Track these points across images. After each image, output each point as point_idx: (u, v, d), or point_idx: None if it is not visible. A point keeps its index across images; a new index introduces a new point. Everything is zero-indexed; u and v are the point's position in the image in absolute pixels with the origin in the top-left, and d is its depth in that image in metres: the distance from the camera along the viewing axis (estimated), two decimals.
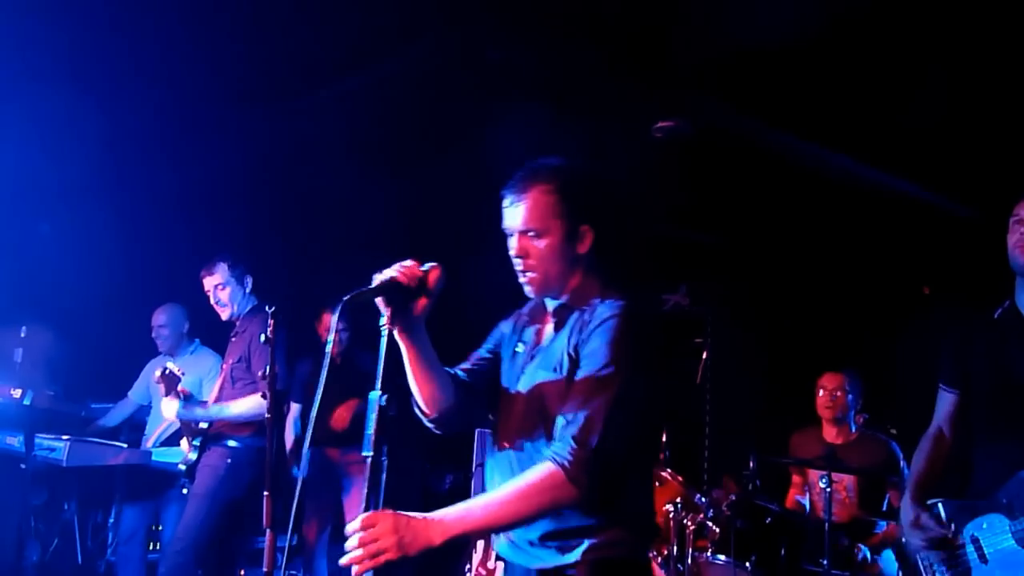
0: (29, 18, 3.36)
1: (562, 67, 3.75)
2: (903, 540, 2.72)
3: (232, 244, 4.32)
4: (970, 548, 2.51)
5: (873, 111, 3.95)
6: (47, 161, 4.27)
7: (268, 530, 3.09)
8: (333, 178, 4.96)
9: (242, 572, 4.60)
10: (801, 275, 5.53)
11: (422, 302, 1.76)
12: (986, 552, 2.44)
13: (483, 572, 2.88)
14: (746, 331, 5.37)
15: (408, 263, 1.76)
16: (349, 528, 1.61)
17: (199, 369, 4.46)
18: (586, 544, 1.79)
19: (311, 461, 4.61)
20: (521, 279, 1.89)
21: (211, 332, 4.49)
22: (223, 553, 4.18)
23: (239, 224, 5.08)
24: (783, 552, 3.76)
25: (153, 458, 4.35)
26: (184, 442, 4.03)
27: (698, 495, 3.88)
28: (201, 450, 3.97)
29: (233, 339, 4.11)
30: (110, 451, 4.26)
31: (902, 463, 3.99)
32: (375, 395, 1.63)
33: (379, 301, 1.72)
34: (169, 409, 3.85)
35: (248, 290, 4.14)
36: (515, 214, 1.83)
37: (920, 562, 2.65)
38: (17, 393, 4.09)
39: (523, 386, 1.90)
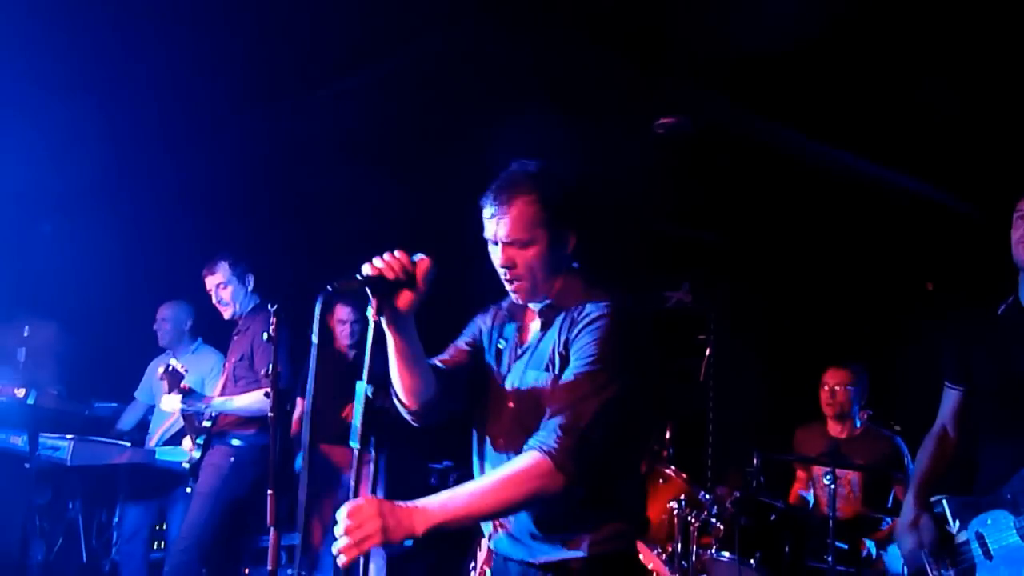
0: (30, 21, 3.36)
1: (563, 64, 3.74)
2: (896, 537, 2.72)
3: (234, 242, 4.33)
4: (975, 544, 2.51)
5: (876, 107, 3.94)
6: (48, 161, 4.27)
7: (272, 529, 3.09)
8: (334, 176, 4.96)
9: (247, 571, 4.61)
10: (804, 272, 5.52)
11: (410, 293, 1.75)
12: (991, 548, 2.43)
13: (487, 570, 2.87)
14: (749, 328, 5.37)
15: (397, 254, 1.75)
16: (338, 516, 1.61)
17: (201, 367, 4.47)
18: (588, 538, 1.81)
19: (316, 459, 4.61)
20: (508, 287, 1.88)
21: (214, 331, 4.50)
22: (227, 552, 4.19)
23: (241, 223, 5.08)
24: (787, 549, 3.76)
25: (157, 457, 4.37)
26: (187, 441, 4.04)
27: (702, 492, 3.88)
28: (205, 449, 3.98)
29: (235, 337, 4.12)
30: (114, 450, 4.28)
31: (907, 459, 3.99)
32: (362, 385, 1.62)
33: (367, 291, 1.71)
34: (171, 403, 3.86)
35: (250, 288, 4.15)
36: (499, 225, 1.81)
37: (924, 558, 2.65)
38: (21, 392, 4.10)
39: (512, 385, 1.90)
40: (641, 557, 3.96)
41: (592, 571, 1.81)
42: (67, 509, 4.69)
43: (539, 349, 1.88)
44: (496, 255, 1.85)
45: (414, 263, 1.75)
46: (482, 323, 2.07)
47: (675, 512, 3.79)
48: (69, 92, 3.77)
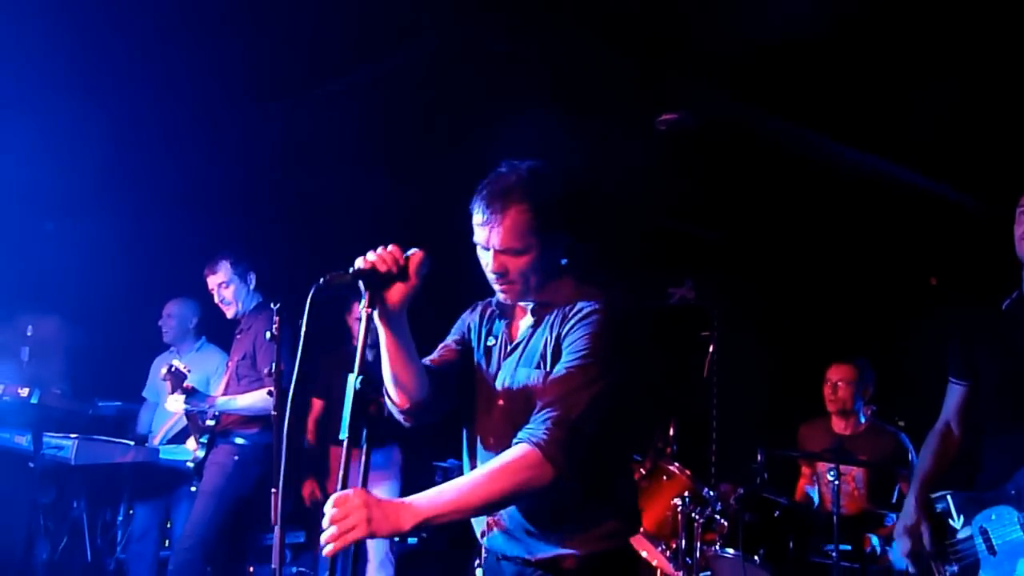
0: (33, 21, 3.37)
1: (564, 62, 3.73)
2: (895, 537, 2.72)
3: (236, 241, 4.33)
4: (979, 540, 2.50)
5: (880, 103, 3.93)
6: (50, 160, 4.28)
7: (277, 527, 3.10)
8: (336, 174, 4.96)
9: (251, 569, 4.61)
10: (808, 267, 5.52)
11: (402, 287, 1.74)
12: (995, 543, 2.43)
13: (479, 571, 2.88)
14: (753, 324, 5.36)
15: (391, 247, 1.74)
16: (325, 509, 1.59)
17: (205, 366, 4.47)
18: (583, 535, 1.82)
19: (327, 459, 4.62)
20: (497, 289, 1.86)
21: (219, 330, 4.50)
22: (232, 550, 4.19)
23: (243, 221, 5.08)
24: (791, 545, 3.76)
25: (161, 456, 4.37)
26: (191, 440, 4.04)
27: (706, 489, 3.88)
28: (208, 447, 3.99)
29: (238, 336, 4.13)
30: (118, 449, 4.28)
31: (911, 454, 3.98)
32: (352, 378, 1.61)
33: (359, 284, 1.70)
34: (175, 403, 3.86)
35: (252, 287, 4.15)
36: (492, 233, 1.78)
37: (924, 557, 2.65)
38: (25, 392, 4.10)
39: (503, 383, 1.89)
40: (645, 554, 3.96)
41: (587, 568, 1.82)
42: (71, 508, 4.69)
43: (530, 346, 1.87)
44: (487, 261, 1.82)
45: (407, 257, 1.74)
46: (470, 321, 2.05)
47: (679, 509, 3.79)
48: (69, 91, 3.77)
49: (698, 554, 3.73)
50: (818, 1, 3.13)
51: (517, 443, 1.70)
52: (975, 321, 2.70)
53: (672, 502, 3.84)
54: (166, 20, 3.46)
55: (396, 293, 1.74)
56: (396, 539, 4.33)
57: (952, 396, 2.74)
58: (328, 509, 1.58)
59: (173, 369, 3.82)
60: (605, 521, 1.85)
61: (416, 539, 5.32)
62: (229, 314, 4.15)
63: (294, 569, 4.80)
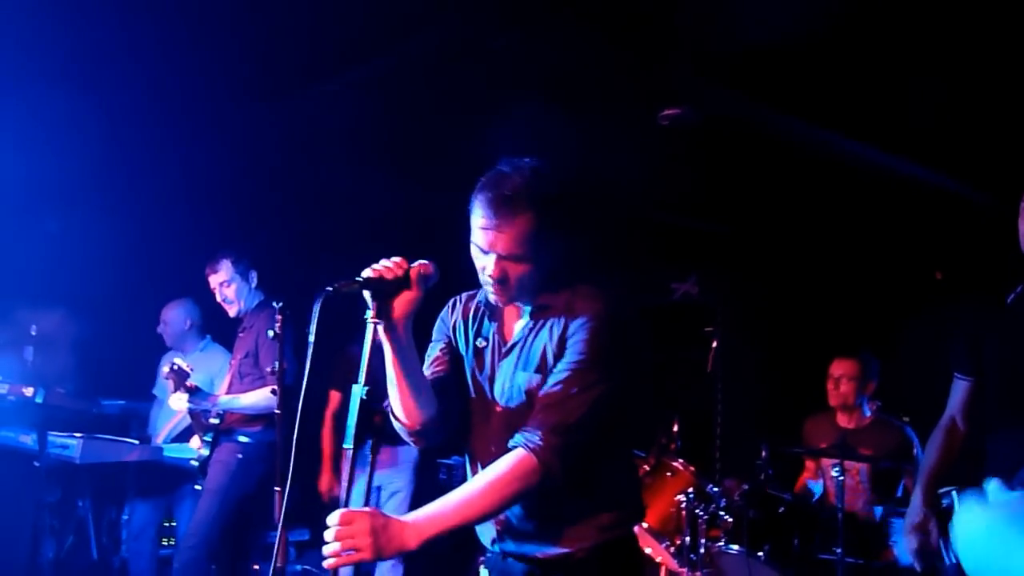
0: (32, 20, 3.37)
1: (566, 56, 3.71)
2: (904, 534, 2.71)
3: (237, 239, 4.33)
4: None
5: (884, 96, 3.91)
6: (53, 160, 4.27)
7: (280, 525, 3.10)
8: (338, 171, 4.95)
9: (256, 567, 4.63)
10: (812, 262, 5.50)
11: (407, 299, 1.72)
12: None
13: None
14: (756, 319, 5.35)
15: (396, 259, 1.73)
16: (328, 521, 1.59)
17: (209, 366, 4.47)
18: (592, 528, 1.82)
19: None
20: (491, 291, 1.81)
21: (222, 328, 4.50)
22: (236, 548, 4.21)
23: (245, 219, 5.08)
24: (796, 541, 3.75)
25: (165, 454, 4.38)
26: (196, 438, 4.05)
27: (710, 485, 3.87)
28: (212, 446, 3.99)
29: (241, 335, 4.13)
30: (123, 448, 4.29)
31: (916, 449, 3.96)
32: (357, 388, 1.61)
33: (365, 294, 1.69)
34: (179, 402, 3.87)
35: (253, 285, 4.15)
36: (495, 239, 1.72)
37: (933, 551, 2.64)
38: (29, 391, 4.10)
39: (501, 388, 1.85)
40: (649, 550, 3.95)
41: (595, 559, 1.82)
42: (77, 507, 4.71)
43: (529, 349, 1.83)
44: (486, 265, 1.77)
45: (408, 267, 1.73)
46: (453, 321, 1.99)
47: (683, 505, 3.78)
48: (69, 88, 3.77)
49: (702, 550, 3.73)
50: None
51: (513, 447, 1.69)
52: (980, 315, 2.68)
53: (676, 498, 3.83)
54: (167, 18, 3.46)
55: (400, 304, 1.72)
56: None
57: (957, 391, 2.73)
58: (332, 523, 1.58)
59: (175, 367, 3.82)
60: (609, 511, 1.85)
61: None
62: (231, 313, 4.15)
63: (299, 567, 4.81)
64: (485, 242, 1.75)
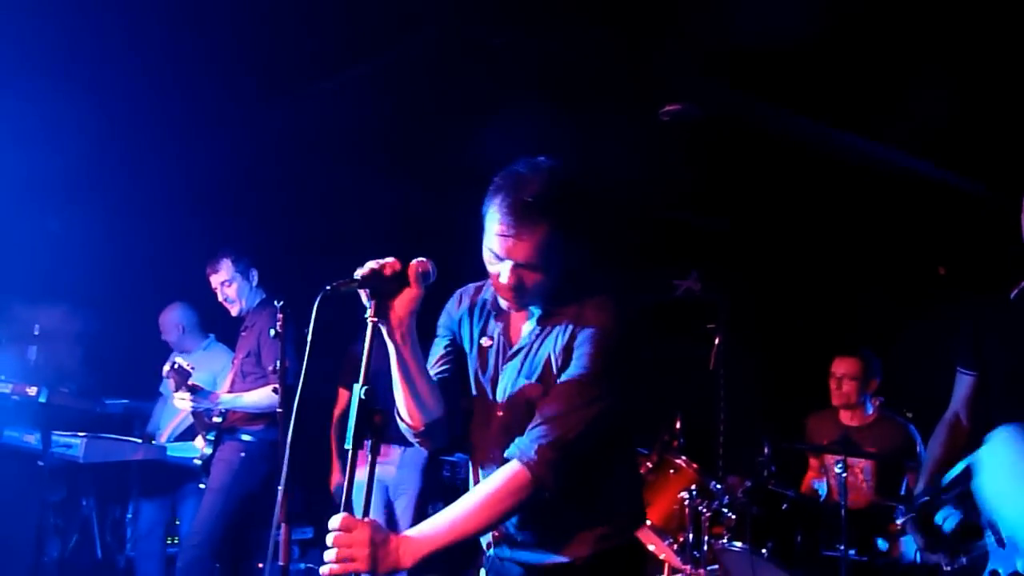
0: (36, 18, 3.38)
1: (566, 53, 3.71)
2: (910, 533, 2.71)
3: (238, 237, 4.33)
4: (988, 532, 2.49)
5: (886, 91, 3.89)
6: (55, 160, 4.29)
7: (284, 524, 3.11)
8: (338, 170, 4.95)
9: (260, 565, 4.64)
10: (815, 258, 5.48)
11: (407, 297, 1.69)
12: (1004, 536, 2.41)
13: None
14: (759, 316, 5.34)
15: (389, 259, 1.69)
16: (330, 524, 1.58)
17: (212, 365, 4.48)
18: (590, 537, 1.80)
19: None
20: (502, 297, 1.76)
21: (226, 328, 4.51)
22: (240, 546, 4.22)
23: (246, 218, 5.09)
24: (799, 538, 3.74)
25: (168, 453, 4.39)
26: (199, 437, 4.06)
27: (713, 482, 3.87)
28: (215, 445, 4.00)
29: (243, 334, 4.14)
30: (126, 447, 4.31)
31: (919, 446, 3.95)
32: (357, 388, 1.59)
33: (363, 293, 1.66)
34: (182, 401, 3.87)
35: (255, 284, 4.16)
36: (514, 247, 1.66)
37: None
38: (33, 391, 4.12)
39: (503, 392, 1.82)
40: (652, 547, 3.95)
41: (594, 568, 1.80)
42: (81, 506, 4.73)
43: (534, 356, 1.79)
44: (500, 271, 1.70)
45: (405, 265, 1.69)
46: (458, 315, 1.94)
47: (686, 502, 3.78)
48: (70, 88, 3.77)
49: (706, 547, 3.72)
50: None
51: (508, 458, 1.67)
52: (983, 311, 2.68)
53: (679, 495, 3.82)
54: (168, 18, 3.46)
55: (401, 303, 1.69)
56: None
57: (960, 386, 2.73)
58: (333, 527, 1.57)
59: (176, 366, 3.83)
60: (608, 521, 1.82)
61: None
62: (233, 312, 4.15)
63: (302, 565, 4.82)
64: (502, 249, 1.68)
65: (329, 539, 1.57)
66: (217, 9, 3.34)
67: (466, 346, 1.92)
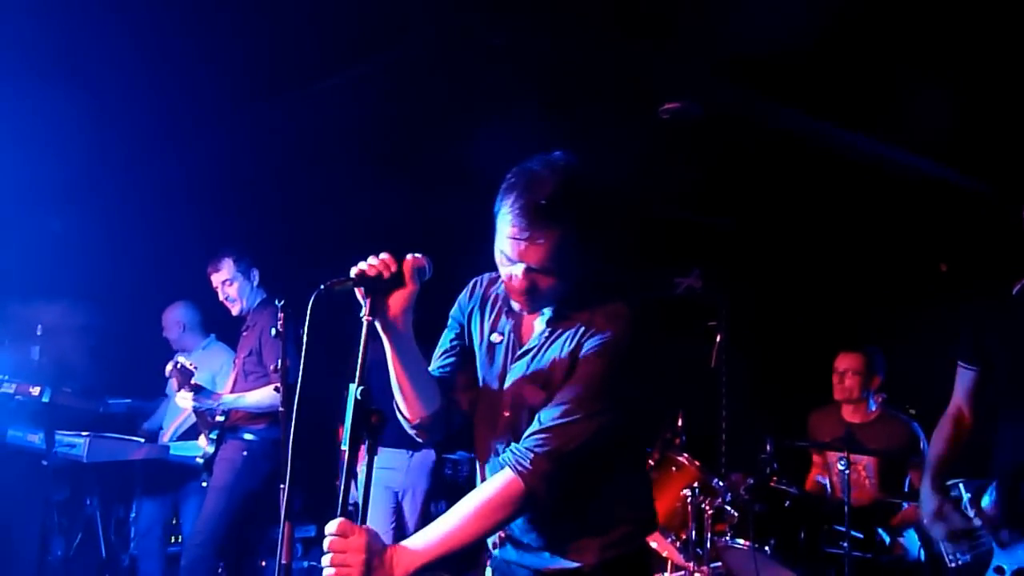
0: (37, 18, 3.38)
1: (568, 51, 3.70)
2: (926, 528, 2.70)
3: (239, 237, 4.34)
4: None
5: (888, 88, 3.89)
6: (57, 160, 4.29)
7: (286, 522, 3.11)
8: (339, 169, 4.95)
9: (263, 563, 4.65)
10: (816, 255, 5.48)
11: (402, 294, 1.67)
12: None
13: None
14: (761, 313, 5.33)
15: (383, 255, 1.67)
16: (327, 530, 1.58)
17: (211, 364, 4.50)
18: (597, 543, 1.77)
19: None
20: (514, 300, 1.73)
21: (229, 327, 4.52)
22: (243, 544, 4.22)
23: (247, 217, 5.09)
24: (802, 535, 3.74)
25: (171, 452, 4.41)
26: (202, 436, 4.07)
27: (716, 479, 3.87)
28: (218, 443, 4.01)
29: (244, 333, 4.14)
30: (129, 446, 4.33)
31: (923, 443, 3.95)
32: (352, 387, 1.58)
33: (358, 292, 1.65)
34: (185, 400, 3.88)
35: (256, 283, 4.17)
36: (527, 250, 1.60)
37: (941, 543, 2.64)
38: (36, 391, 4.14)
39: (509, 394, 1.79)
40: (655, 545, 3.95)
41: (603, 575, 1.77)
42: (85, 505, 4.74)
43: (541, 360, 1.75)
44: (512, 274, 1.66)
45: (400, 262, 1.67)
46: (469, 308, 1.91)
47: (689, 500, 3.78)
48: (71, 88, 3.78)
49: (708, 545, 3.72)
50: None
51: (503, 466, 1.65)
52: (985, 307, 2.68)
53: (682, 493, 3.82)
54: (169, 18, 3.46)
55: (396, 300, 1.67)
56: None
57: (963, 381, 2.73)
58: (329, 533, 1.56)
59: (179, 366, 3.84)
60: (617, 526, 1.79)
61: None
62: (234, 311, 4.16)
63: (305, 564, 4.83)
64: (514, 252, 1.63)
65: (325, 544, 1.56)
66: (217, 9, 3.34)
67: (475, 339, 1.89)
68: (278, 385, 3.55)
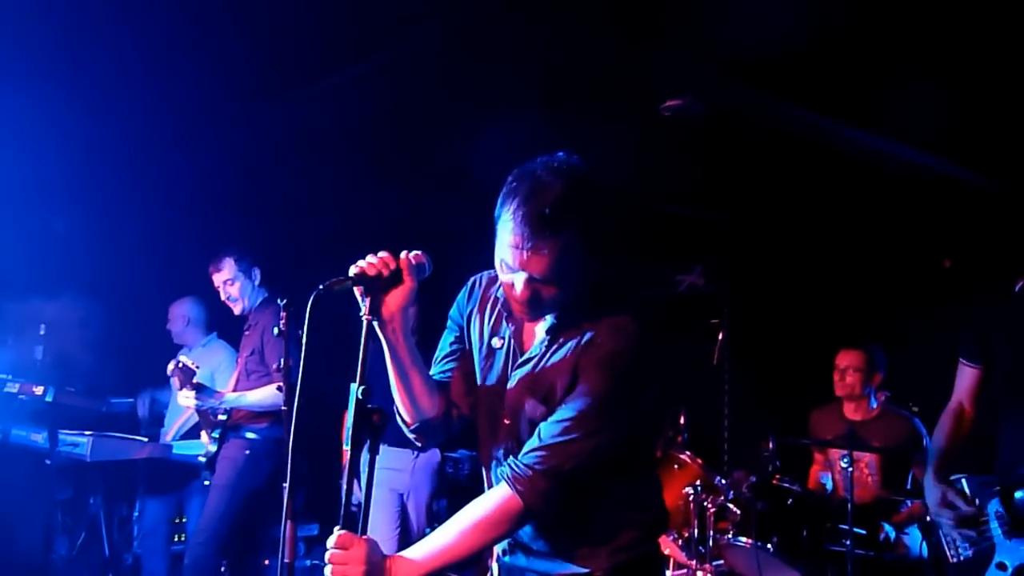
0: (38, 18, 3.39)
1: (568, 48, 3.70)
2: (933, 519, 2.70)
3: (240, 236, 4.34)
4: (995, 523, 2.49)
5: (890, 84, 3.88)
6: (58, 160, 4.30)
7: (288, 521, 3.11)
8: (339, 169, 4.96)
9: (266, 562, 4.65)
10: (819, 252, 5.47)
11: (400, 293, 1.66)
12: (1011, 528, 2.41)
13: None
14: (763, 310, 5.33)
15: (381, 253, 1.65)
16: (328, 543, 1.58)
17: (211, 362, 4.50)
18: (605, 548, 1.75)
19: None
20: (515, 309, 1.67)
21: (229, 326, 4.52)
22: (246, 543, 4.23)
23: (247, 216, 5.10)
24: (805, 533, 3.74)
25: (174, 451, 4.42)
26: (204, 435, 4.08)
27: (718, 477, 3.87)
28: (220, 442, 4.02)
29: (246, 332, 4.15)
30: (132, 445, 4.34)
31: (925, 439, 3.94)
32: (354, 387, 1.57)
33: (357, 291, 1.64)
34: (187, 399, 3.89)
35: (257, 283, 4.17)
36: (530, 259, 1.54)
37: (944, 539, 2.64)
38: (39, 390, 4.15)
39: (510, 403, 1.74)
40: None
41: None
42: (88, 504, 4.76)
43: (542, 370, 1.70)
44: (514, 282, 1.60)
45: (398, 259, 1.66)
46: (468, 310, 1.87)
47: (691, 497, 3.78)
48: (72, 88, 3.78)
49: (711, 543, 3.73)
50: None
51: (501, 479, 1.64)
52: (988, 304, 2.68)
53: (684, 491, 3.83)
54: (169, 19, 3.47)
55: (394, 299, 1.66)
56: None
57: (964, 377, 2.73)
58: (331, 544, 1.56)
59: (180, 365, 3.85)
60: (627, 530, 1.77)
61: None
62: (236, 310, 4.17)
63: (308, 562, 4.84)
64: (516, 261, 1.56)
65: (326, 556, 1.56)
66: (217, 8, 3.34)
67: (474, 342, 1.85)
68: (280, 384, 3.56)
